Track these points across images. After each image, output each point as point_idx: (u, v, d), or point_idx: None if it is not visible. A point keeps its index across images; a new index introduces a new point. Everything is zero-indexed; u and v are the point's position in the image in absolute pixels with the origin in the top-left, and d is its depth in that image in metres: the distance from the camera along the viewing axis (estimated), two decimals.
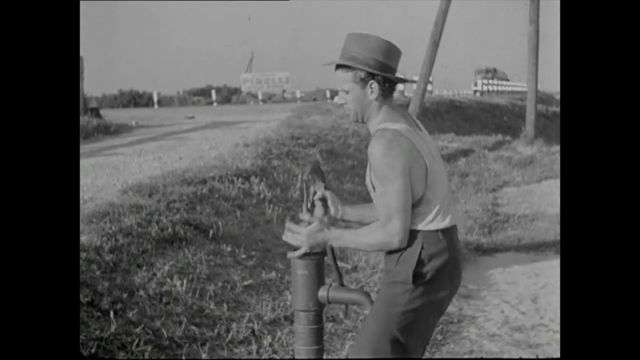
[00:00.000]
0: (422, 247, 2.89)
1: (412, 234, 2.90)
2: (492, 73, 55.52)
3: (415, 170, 2.85)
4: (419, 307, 2.90)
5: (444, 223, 2.94)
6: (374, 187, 2.93)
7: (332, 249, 3.09)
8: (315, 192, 3.15)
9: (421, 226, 2.91)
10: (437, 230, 2.92)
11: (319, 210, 3.15)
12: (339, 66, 2.97)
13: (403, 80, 3.07)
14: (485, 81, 50.32)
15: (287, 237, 3.02)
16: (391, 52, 2.95)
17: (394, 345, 2.89)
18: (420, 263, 2.88)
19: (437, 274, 2.91)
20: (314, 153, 11.22)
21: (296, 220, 3.13)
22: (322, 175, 3.19)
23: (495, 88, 49.23)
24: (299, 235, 2.98)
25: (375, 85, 2.95)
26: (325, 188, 3.17)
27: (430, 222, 2.91)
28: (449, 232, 2.96)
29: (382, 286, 3.00)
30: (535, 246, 8.33)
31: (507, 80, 58.93)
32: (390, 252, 2.94)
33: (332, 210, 3.19)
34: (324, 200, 3.17)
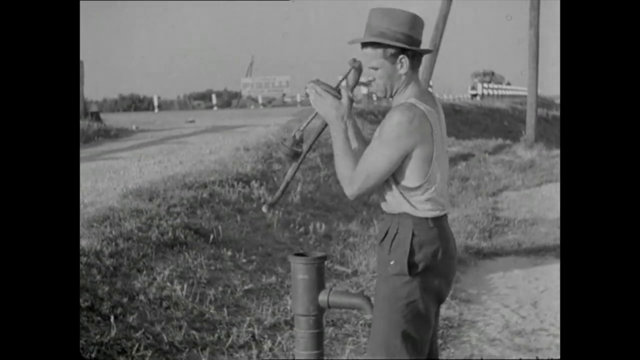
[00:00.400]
0: (414, 234, 2.90)
1: (404, 220, 2.92)
2: (489, 76, 54.96)
3: (421, 152, 2.87)
4: (420, 297, 2.92)
5: (436, 212, 2.95)
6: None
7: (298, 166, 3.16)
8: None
9: (414, 211, 2.92)
10: (427, 218, 2.93)
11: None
12: (365, 44, 2.96)
13: (430, 51, 3.14)
14: (483, 84, 49.71)
15: (312, 96, 3.03)
16: (417, 24, 2.97)
17: (405, 340, 2.91)
18: (412, 252, 2.89)
19: (430, 262, 2.92)
20: (314, 157, 11.22)
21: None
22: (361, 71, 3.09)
23: (493, 92, 48.56)
24: (324, 101, 2.98)
25: (405, 59, 2.95)
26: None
27: (424, 210, 2.93)
28: (439, 220, 2.97)
29: (379, 281, 2.99)
30: (535, 250, 8.33)
31: (506, 83, 58.22)
32: (382, 239, 2.97)
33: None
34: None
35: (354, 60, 3.01)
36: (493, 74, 56.17)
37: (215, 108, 38.58)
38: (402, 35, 2.91)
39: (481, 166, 15.01)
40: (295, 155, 3.05)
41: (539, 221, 9.99)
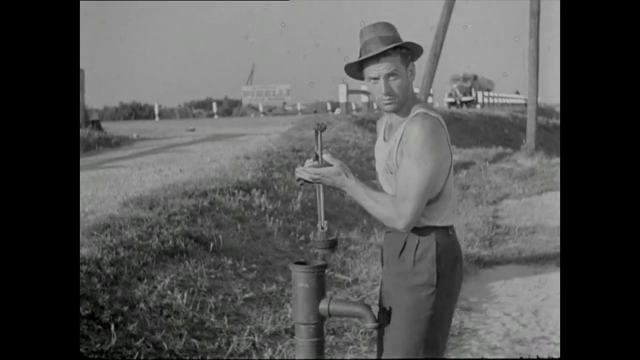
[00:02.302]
0: (437, 243, 2.91)
1: (427, 230, 2.92)
2: (470, 81, 49.07)
3: (443, 165, 2.89)
4: (444, 305, 2.95)
5: (452, 219, 3.00)
6: (397, 165, 2.90)
7: (322, 193, 3.08)
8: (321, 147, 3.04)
9: (436, 222, 2.93)
10: (446, 227, 2.96)
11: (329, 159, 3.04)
12: (383, 53, 2.89)
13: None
14: (470, 91, 46.44)
15: (301, 174, 2.98)
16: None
17: (428, 349, 2.94)
18: (438, 260, 2.90)
19: (451, 270, 2.96)
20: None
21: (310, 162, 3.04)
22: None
23: (470, 98, 45.27)
24: (323, 178, 2.95)
25: (414, 67, 2.99)
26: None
27: (445, 218, 2.95)
28: (453, 228, 3.03)
29: (399, 293, 2.96)
30: (536, 259, 8.33)
31: (515, 92, 54.61)
32: (400, 251, 2.95)
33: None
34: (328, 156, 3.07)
35: (318, 124, 2.99)
36: (476, 78, 49.64)
37: (215, 116, 38.61)
38: (407, 42, 2.93)
39: (482, 174, 15.01)
40: (331, 246, 3.06)
41: (539, 229, 9.99)
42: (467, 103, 45.65)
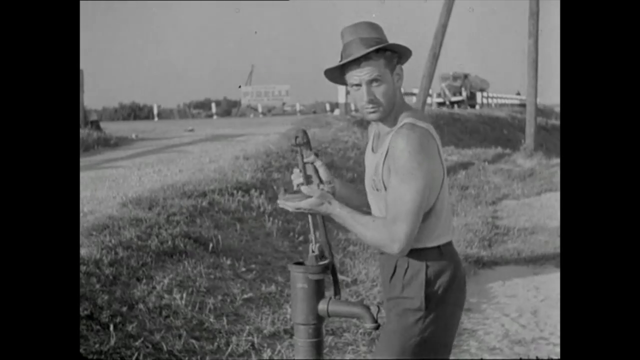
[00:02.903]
0: (427, 266, 2.71)
1: (416, 253, 2.71)
2: (461, 80, 45.27)
3: (434, 178, 2.66)
4: (434, 332, 2.75)
5: (446, 237, 2.78)
6: (384, 185, 2.69)
7: (324, 223, 2.83)
8: (304, 157, 2.86)
9: (426, 242, 2.72)
10: (438, 246, 2.74)
11: (313, 177, 2.86)
12: (364, 57, 2.64)
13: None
14: (453, 90, 43.67)
15: (284, 206, 2.78)
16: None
17: None
18: (428, 284, 2.70)
19: (445, 293, 2.75)
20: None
21: (291, 190, 2.84)
22: (309, 143, 2.88)
23: (460, 98, 42.50)
24: (306, 207, 2.73)
25: (401, 71, 2.75)
26: (315, 155, 2.89)
27: (437, 237, 2.74)
28: (449, 246, 2.80)
29: (391, 315, 2.80)
30: (535, 259, 8.33)
31: (516, 93, 52.71)
32: (391, 276, 2.78)
33: (324, 177, 2.89)
34: (314, 166, 2.86)
35: (296, 137, 2.81)
36: (466, 76, 45.91)
37: (214, 117, 38.61)
38: (391, 45, 2.68)
39: (481, 175, 15.02)
40: (323, 270, 2.83)
41: (538, 230, 9.99)
42: (457, 103, 43.10)
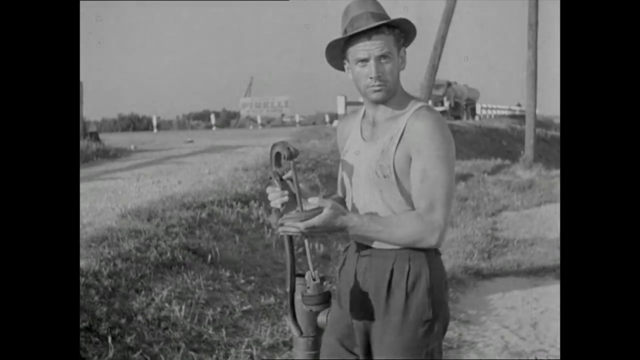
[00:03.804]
0: (430, 269, 2.56)
1: (415, 254, 2.56)
2: (444, 88, 40.72)
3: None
4: (440, 337, 2.63)
5: (444, 236, 2.59)
6: (395, 171, 2.53)
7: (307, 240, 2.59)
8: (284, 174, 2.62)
9: None
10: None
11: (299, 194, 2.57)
12: (375, 30, 2.51)
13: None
14: (435, 99, 37.56)
15: (289, 230, 2.50)
16: None
17: None
18: (432, 288, 2.56)
19: (443, 294, 2.63)
20: (312, 177, 11.22)
21: (285, 210, 2.56)
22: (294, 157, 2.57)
23: (442, 109, 36.53)
24: (306, 228, 2.45)
25: (404, 53, 2.63)
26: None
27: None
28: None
29: (389, 330, 2.59)
30: (534, 271, 8.32)
31: (517, 105, 50.10)
32: (389, 284, 2.58)
33: (307, 191, 2.67)
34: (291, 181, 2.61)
35: (288, 149, 2.54)
36: (450, 85, 41.56)
37: (214, 128, 38.65)
38: (403, 21, 2.56)
39: (480, 186, 15.01)
40: (326, 300, 2.59)
41: (538, 242, 9.99)
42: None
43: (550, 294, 7.27)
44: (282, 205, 2.55)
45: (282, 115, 47.71)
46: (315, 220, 2.43)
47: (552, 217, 11.63)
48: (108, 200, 8.41)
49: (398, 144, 2.54)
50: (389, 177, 2.55)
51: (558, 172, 15.44)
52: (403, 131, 2.55)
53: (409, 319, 2.55)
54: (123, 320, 4.89)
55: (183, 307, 5.38)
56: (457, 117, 37.15)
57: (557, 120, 40.44)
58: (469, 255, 8.81)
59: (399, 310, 2.56)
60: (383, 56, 2.52)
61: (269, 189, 2.61)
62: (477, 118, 41.73)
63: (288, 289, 2.70)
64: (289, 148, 2.54)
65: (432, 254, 2.59)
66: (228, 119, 48.82)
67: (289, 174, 2.59)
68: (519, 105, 49.66)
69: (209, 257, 6.55)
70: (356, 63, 2.56)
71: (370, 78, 2.54)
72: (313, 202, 2.48)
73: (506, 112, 48.69)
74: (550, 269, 8.26)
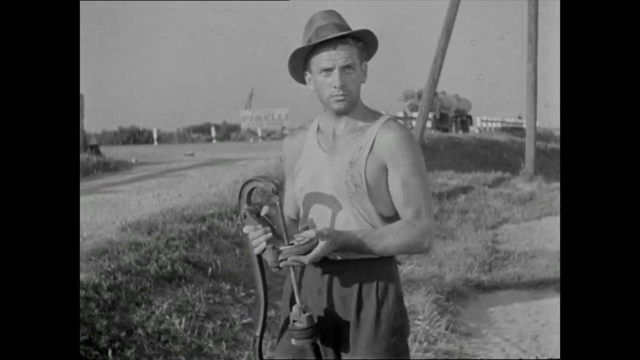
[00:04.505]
0: (396, 278, 2.61)
1: (381, 262, 2.57)
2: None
3: None
4: (407, 342, 2.65)
5: None
6: (366, 181, 2.53)
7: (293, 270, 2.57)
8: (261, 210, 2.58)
9: None
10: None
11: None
12: (341, 40, 2.53)
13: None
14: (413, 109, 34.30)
15: (297, 261, 2.47)
16: None
17: None
18: (400, 296, 2.60)
19: (402, 300, 2.64)
20: None
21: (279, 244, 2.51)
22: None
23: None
24: (313, 259, 2.45)
25: (366, 67, 2.63)
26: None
27: None
28: None
29: (360, 341, 2.57)
30: (535, 284, 8.31)
31: (518, 117, 47.68)
32: (358, 296, 2.56)
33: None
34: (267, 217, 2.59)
35: (274, 182, 2.52)
36: (435, 95, 36.23)
37: (214, 141, 38.67)
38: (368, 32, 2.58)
39: (481, 199, 15.01)
40: (316, 333, 2.54)
41: (539, 254, 9.97)
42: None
43: (551, 306, 7.25)
44: (270, 244, 2.52)
45: (283, 127, 47.73)
46: (319, 251, 2.43)
47: (552, 229, 11.61)
48: (108, 214, 8.40)
49: (369, 154, 2.55)
50: (361, 186, 2.55)
51: (558, 184, 15.44)
52: (373, 142, 2.56)
53: (381, 329, 2.55)
54: (123, 334, 4.88)
55: (183, 320, 5.37)
56: (445, 130, 33.70)
57: (557, 133, 40.14)
58: (470, 268, 8.79)
59: (371, 321, 2.56)
60: (347, 66, 2.52)
61: (247, 229, 2.60)
62: (474, 130, 39.60)
63: (258, 333, 2.71)
64: (274, 181, 2.50)
65: (394, 262, 2.62)
66: (228, 132, 48.87)
67: (266, 209, 2.58)
68: (519, 118, 48.86)
69: (209, 270, 6.54)
70: (320, 72, 2.55)
71: (334, 87, 2.53)
72: (308, 233, 2.45)
73: (505, 125, 48.24)
74: (551, 281, 8.24)
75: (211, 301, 6.00)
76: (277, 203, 2.51)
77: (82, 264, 5.74)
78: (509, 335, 6.44)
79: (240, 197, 2.66)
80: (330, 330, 2.60)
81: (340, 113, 2.60)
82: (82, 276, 5.45)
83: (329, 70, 2.53)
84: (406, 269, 8.36)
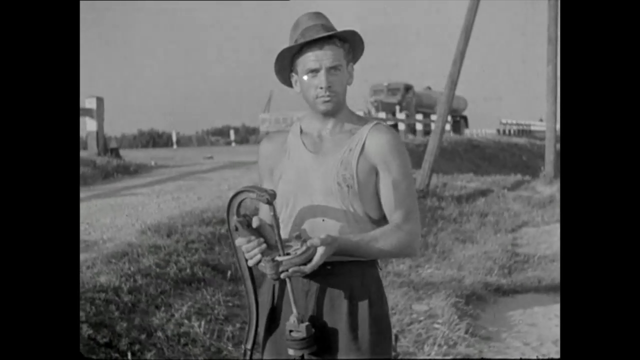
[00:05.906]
0: (379, 278, 2.62)
1: (366, 265, 2.57)
2: (401, 94, 32.53)
3: None
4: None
5: None
6: (357, 181, 2.53)
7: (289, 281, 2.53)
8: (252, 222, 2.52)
9: None
10: None
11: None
12: (328, 41, 2.53)
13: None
14: (388, 108, 30.41)
15: (299, 272, 2.43)
16: None
17: None
18: (386, 299, 2.61)
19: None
20: None
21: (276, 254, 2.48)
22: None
23: (394, 122, 28.63)
24: (314, 267, 2.42)
25: (352, 69, 2.64)
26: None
27: None
28: None
29: (361, 343, 2.55)
30: (555, 287, 8.24)
31: (539, 120, 46.06)
32: (350, 301, 2.54)
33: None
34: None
35: (268, 193, 2.44)
36: (408, 89, 33.35)
37: (233, 144, 38.72)
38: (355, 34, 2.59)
39: (500, 202, 14.94)
40: (314, 343, 2.53)
41: (559, 258, 9.90)
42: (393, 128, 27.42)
43: None
44: (265, 255, 2.49)
45: None
46: (319, 259, 2.40)
47: None
48: (128, 216, 8.44)
49: (359, 155, 2.56)
50: (353, 187, 2.54)
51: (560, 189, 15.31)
52: (364, 144, 2.56)
53: (370, 331, 2.54)
54: (143, 336, 4.91)
55: (202, 323, 5.39)
56: (427, 133, 27.40)
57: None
58: (489, 272, 8.76)
59: (365, 324, 2.55)
60: (334, 67, 2.52)
61: (239, 241, 2.58)
62: (468, 133, 35.89)
63: (249, 346, 2.72)
64: (267, 191, 2.45)
65: (377, 265, 2.62)
66: (247, 135, 48.92)
67: (257, 221, 2.52)
68: (541, 120, 48.37)
69: (229, 273, 6.56)
70: (306, 73, 2.54)
71: (320, 88, 2.53)
72: (313, 241, 2.41)
73: (524, 128, 48.03)
74: None
75: (230, 304, 6.01)
76: (273, 213, 2.45)
77: (102, 267, 5.78)
78: (529, 339, 6.41)
79: (229, 208, 2.61)
80: (318, 333, 2.57)
81: (326, 114, 2.59)
82: (103, 279, 5.48)
83: (315, 71, 2.52)
84: (425, 272, 8.34)
